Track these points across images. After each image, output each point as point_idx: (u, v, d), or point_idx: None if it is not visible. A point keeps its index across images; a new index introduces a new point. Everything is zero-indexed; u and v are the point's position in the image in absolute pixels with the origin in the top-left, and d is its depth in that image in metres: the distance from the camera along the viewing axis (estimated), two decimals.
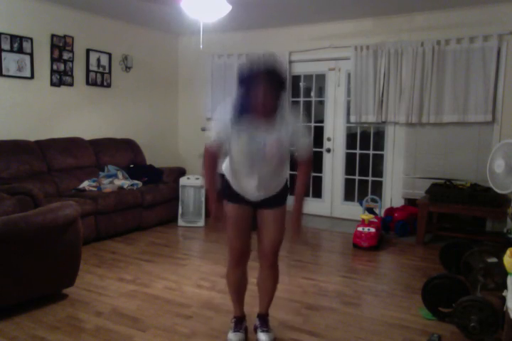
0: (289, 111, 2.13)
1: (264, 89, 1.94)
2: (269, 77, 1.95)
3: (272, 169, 2.17)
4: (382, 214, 4.77)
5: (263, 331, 2.33)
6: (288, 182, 2.36)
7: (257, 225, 2.29)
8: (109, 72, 5.24)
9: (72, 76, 4.80)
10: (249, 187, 2.19)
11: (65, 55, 4.70)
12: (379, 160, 5.15)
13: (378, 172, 5.16)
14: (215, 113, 2.17)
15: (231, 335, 2.32)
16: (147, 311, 2.72)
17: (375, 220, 4.27)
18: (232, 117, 2.04)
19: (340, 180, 5.36)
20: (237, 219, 2.23)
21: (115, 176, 4.75)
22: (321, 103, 5.44)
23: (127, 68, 5.49)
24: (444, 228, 4.59)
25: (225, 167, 2.27)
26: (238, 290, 2.37)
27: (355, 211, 5.15)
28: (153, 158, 5.78)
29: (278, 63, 2.00)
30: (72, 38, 4.76)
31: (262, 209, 2.25)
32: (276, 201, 2.26)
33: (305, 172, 2.26)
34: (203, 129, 5.48)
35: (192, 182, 4.97)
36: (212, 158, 2.15)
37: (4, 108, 4.24)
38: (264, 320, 2.38)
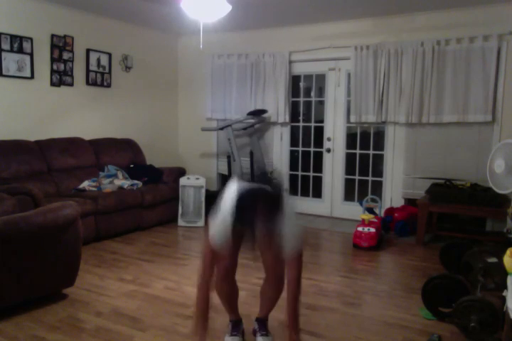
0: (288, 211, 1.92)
1: (262, 223, 1.83)
2: (269, 208, 1.82)
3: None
4: (382, 214, 4.77)
5: (262, 335, 2.31)
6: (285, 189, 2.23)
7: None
8: (109, 72, 5.24)
9: (72, 76, 4.80)
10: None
11: (65, 55, 4.70)
12: (379, 160, 5.15)
13: (378, 172, 5.16)
14: (216, 215, 1.96)
15: (228, 339, 2.31)
16: (147, 311, 2.72)
17: (375, 220, 4.27)
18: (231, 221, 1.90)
19: (340, 180, 5.36)
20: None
21: (115, 176, 4.75)
22: (321, 103, 5.44)
23: (127, 68, 5.49)
24: (444, 228, 4.60)
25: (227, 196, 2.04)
26: (229, 301, 2.32)
27: (355, 211, 5.15)
28: (153, 158, 5.79)
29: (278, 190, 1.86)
30: (72, 38, 4.76)
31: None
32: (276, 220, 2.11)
33: (294, 279, 2.04)
34: (203, 129, 5.49)
35: (192, 182, 4.97)
36: (211, 261, 2.03)
37: (4, 108, 4.24)
38: (263, 323, 2.37)
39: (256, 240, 2.12)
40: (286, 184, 1.86)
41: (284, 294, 2.08)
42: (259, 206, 1.82)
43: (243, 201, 1.84)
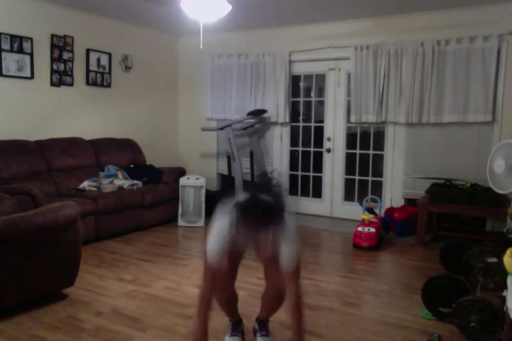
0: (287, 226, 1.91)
1: (263, 235, 1.86)
2: (268, 223, 1.81)
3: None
4: (382, 214, 4.77)
5: (262, 335, 2.30)
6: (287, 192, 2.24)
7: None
8: (109, 72, 5.24)
9: (72, 76, 4.80)
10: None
11: (65, 55, 4.70)
12: (379, 160, 5.15)
13: (378, 172, 5.16)
14: (214, 224, 1.95)
15: (228, 340, 2.31)
16: (147, 311, 2.72)
17: (375, 220, 4.27)
18: (230, 232, 1.91)
19: (340, 180, 5.36)
20: (230, 253, 2.07)
21: (115, 176, 4.75)
22: (321, 103, 5.44)
23: (127, 68, 5.49)
24: (444, 228, 4.59)
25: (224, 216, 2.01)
26: (229, 307, 2.30)
27: (355, 211, 5.15)
28: (153, 158, 5.79)
29: (280, 202, 1.82)
30: (72, 38, 4.76)
31: None
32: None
33: (295, 294, 1.95)
34: (203, 129, 5.49)
35: (192, 182, 4.97)
36: (212, 280, 2.00)
37: (4, 108, 4.24)
38: (263, 324, 2.35)
39: (257, 252, 2.14)
40: (286, 195, 1.79)
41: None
42: (260, 218, 1.78)
43: (243, 212, 1.80)
